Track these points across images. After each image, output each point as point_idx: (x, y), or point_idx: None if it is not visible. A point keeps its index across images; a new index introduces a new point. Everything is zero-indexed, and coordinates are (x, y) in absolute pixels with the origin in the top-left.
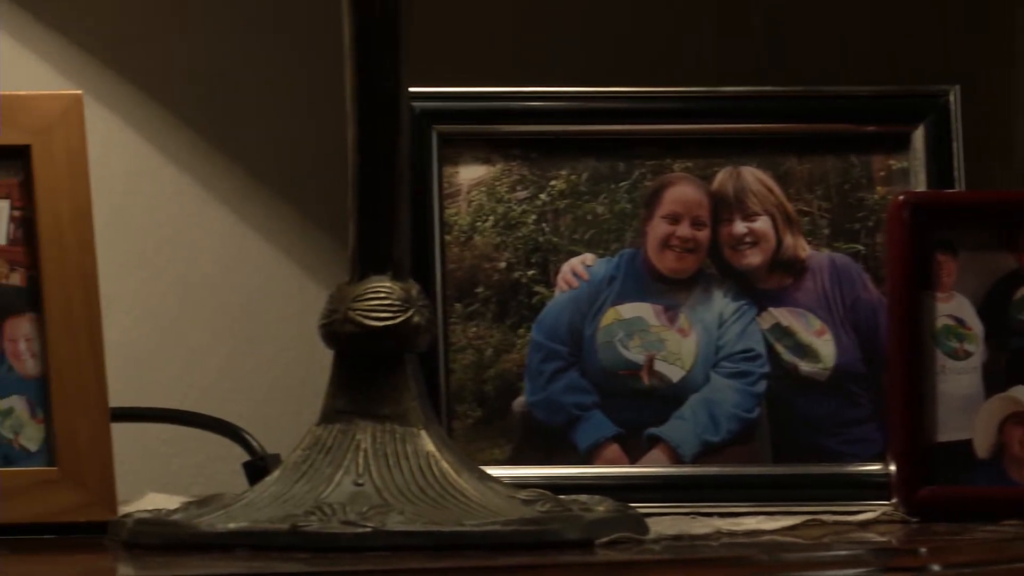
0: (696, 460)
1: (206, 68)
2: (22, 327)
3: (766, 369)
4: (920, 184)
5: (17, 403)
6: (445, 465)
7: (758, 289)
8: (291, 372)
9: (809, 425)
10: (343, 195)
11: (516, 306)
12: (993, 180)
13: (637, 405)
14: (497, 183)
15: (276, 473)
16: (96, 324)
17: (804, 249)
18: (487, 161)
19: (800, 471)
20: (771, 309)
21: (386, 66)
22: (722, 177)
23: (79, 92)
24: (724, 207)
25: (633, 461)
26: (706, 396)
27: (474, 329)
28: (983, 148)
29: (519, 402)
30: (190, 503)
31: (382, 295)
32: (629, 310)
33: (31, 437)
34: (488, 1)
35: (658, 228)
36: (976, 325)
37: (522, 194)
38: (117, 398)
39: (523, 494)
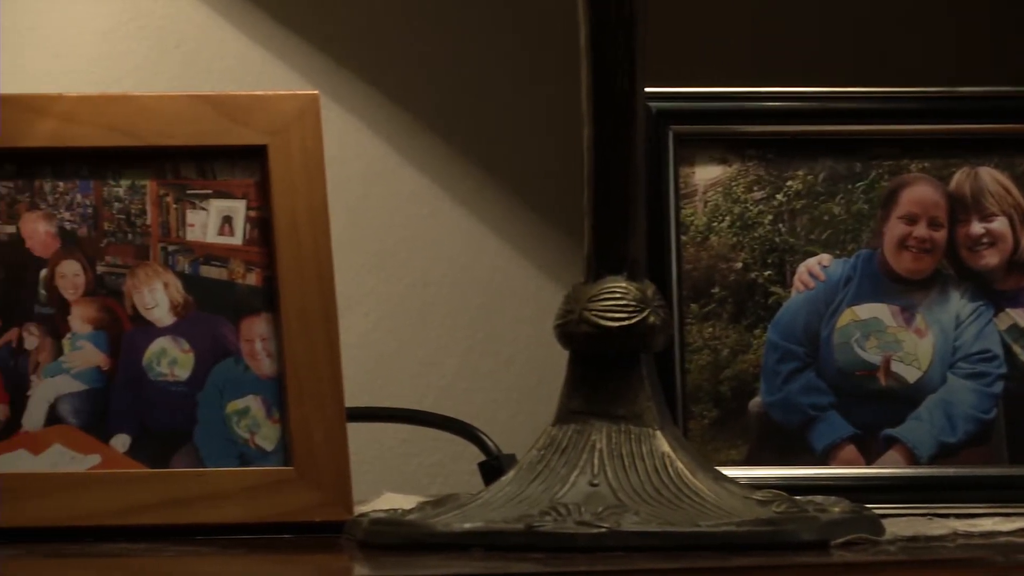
0: (933, 461)
1: (443, 68)
2: (258, 327)
3: (1003, 370)
4: None
5: (253, 403)
6: (680, 465)
7: (995, 290)
8: (527, 372)
9: None
10: (580, 195)
11: (752, 306)
12: None
13: (873, 406)
14: (733, 183)
15: (511, 473)
16: (332, 324)
17: None
18: (723, 161)
19: None
20: (1008, 310)
21: (622, 66)
22: (959, 177)
23: (315, 92)
24: (961, 207)
25: (869, 462)
26: (943, 397)
27: (710, 329)
28: None
29: (755, 402)
30: (426, 503)
31: (618, 295)
32: (866, 311)
33: (267, 437)
34: (726, 1)
35: (895, 229)
36: None
37: (759, 194)
38: (355, 398)
39: (758, 495)
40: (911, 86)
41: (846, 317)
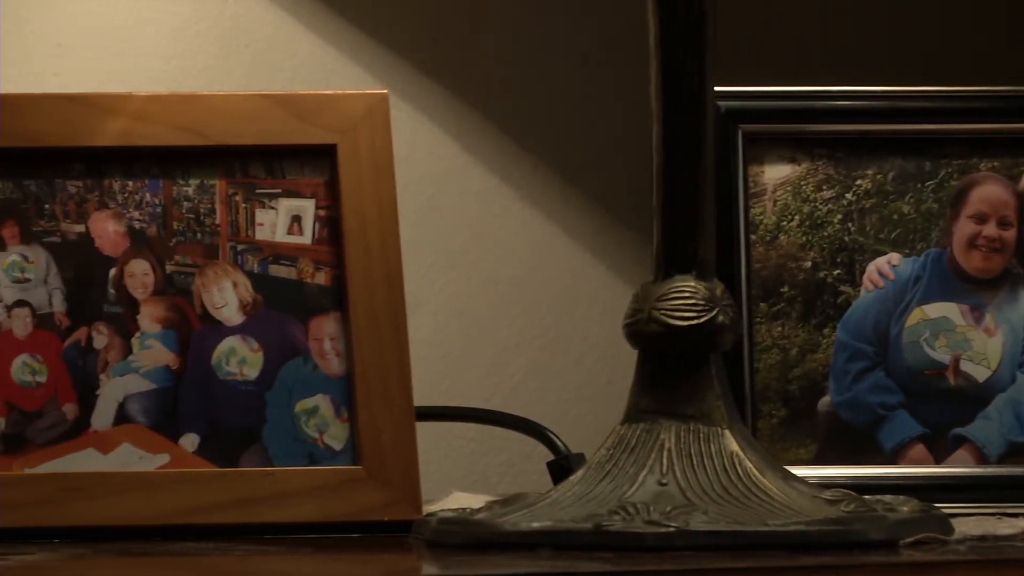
0: (1002, 460)
1: (513, 67)
2: (327, 326)
3: None
4: None
5: (322, 402)
6: (749, 465)
7: None
8: (596, 371)
9: None
10: (649, 194)
11: (821, 305)
12: None
13: (942, 405)
14: (803, 182)
15: (580, 472)
16: (401, 323)
17: None
18: (792, 160)
19: None
20: None
21: (691, 65)
22: None
23: (384, 91)
24: None
25: (938, 461)
26: (1012, 396)
27: (779, 328)
28: None
29: (824, 402)
30: (494, 502)
31: (687, 294)
32: (935, 310)
33: (336, 436)
34: (795, 1)
35: (964, 228)
36: None
37: (828, 193)
38: (424, 397)
39: (827, 494)
40: (981, 85)
41: (915, 316)
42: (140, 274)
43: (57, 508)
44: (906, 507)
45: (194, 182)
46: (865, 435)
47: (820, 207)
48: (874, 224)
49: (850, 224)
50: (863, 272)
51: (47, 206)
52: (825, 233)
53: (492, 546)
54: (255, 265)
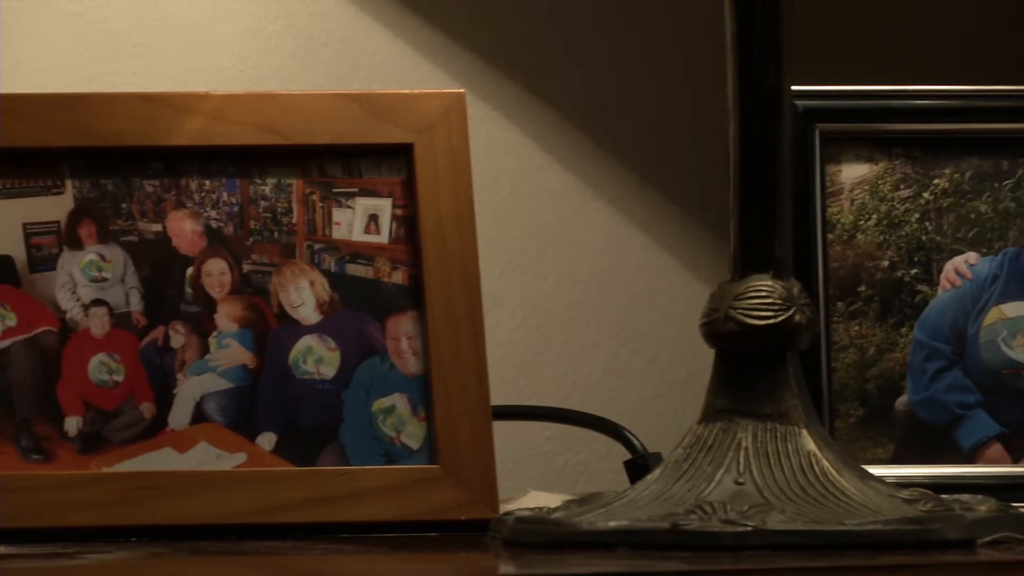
0: None
1: (590, 66)
2: (404, 325)
3: None
4: None
5: (399, 401)
6: (826, 464)
7: None
8: (673, 370)
9: None
10: (726, 193)
11: (899, 305)
12: None
13: (1020, 404)
14: (880, 181)
15: (657, 471)
16: (478, 322)
17: None
18: (870, 159)
19: None
20: None
21: (768, 64)
22: None
23: (461, 90)
24: None
25: (1016, 461)
26: None
27: (856, 328)
28: None
29: (902, 401)
30: (571, 501)
31: (763, 293)
32: (1012, 309)
33: (412, 435)
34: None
35: None
36: None
37: (905, 193)
38: (502, 396)
39: (904, 493)
40: None
41: (992, 316)
42: (217, 273)
43: (134, 507)
44: (983, 506)
45: (271, 181)
46: (942, 434)
47: (897, 206)
48: (951, 223)
49: (927, 223)
50: (940, 271)
51: (124, 205)
52: (902, 232)
53: (569, 545)
54: (332, 264)
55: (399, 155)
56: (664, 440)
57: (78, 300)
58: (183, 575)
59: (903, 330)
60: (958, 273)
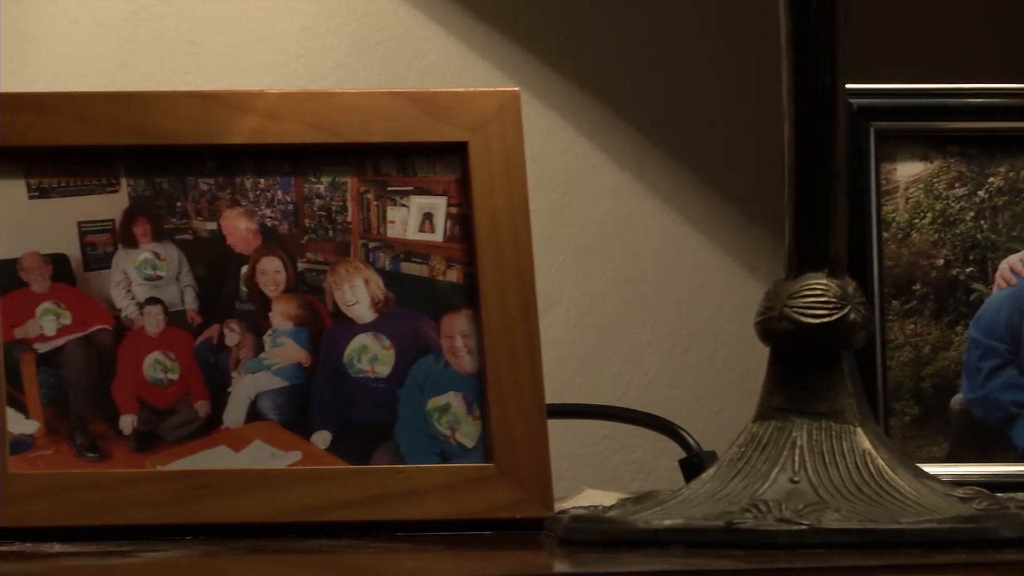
0: None
1: (645, 65)
2: (459, 323)
3: None
4: None
5: (454, 399)
6: (881, 462)
7: None
8: (728, 369)
9: None
10: (781, 192)
11: (954, 303)
12: None
13: None
14: (935, 180)
15: (712, 470)
16: (533, 321)
17: None
18: (925, 158)
19: None
20: None
21: (823, 63)
22: None
23: (516, 89)
24: None
25: None
26: None
27: (911, 326)
28: None
29: (957, 399)
30: (626, 500)
31: (818, 292)
32: None
33: (467, 433)
34: None
35: None
36: None
37: (960, 191)
38: (556, 395)
39: (960, 492)
40: None
41: None
42: (272, 271)
43: (189, 505)
44: None
45: (326, 179)
46: (998, 433)
47: (952, 204)
48: (1006, 222)
49: (982, 222)
50: (995, 270)
51: (179, 204)
52: (957, 231)
53: (623, 544)
54: (387, 262)
55: (454, 153)
56: (719, 438)
57: (133, 298)
58: (238, 574)
59: (958, 328)
60: (1013, 271)
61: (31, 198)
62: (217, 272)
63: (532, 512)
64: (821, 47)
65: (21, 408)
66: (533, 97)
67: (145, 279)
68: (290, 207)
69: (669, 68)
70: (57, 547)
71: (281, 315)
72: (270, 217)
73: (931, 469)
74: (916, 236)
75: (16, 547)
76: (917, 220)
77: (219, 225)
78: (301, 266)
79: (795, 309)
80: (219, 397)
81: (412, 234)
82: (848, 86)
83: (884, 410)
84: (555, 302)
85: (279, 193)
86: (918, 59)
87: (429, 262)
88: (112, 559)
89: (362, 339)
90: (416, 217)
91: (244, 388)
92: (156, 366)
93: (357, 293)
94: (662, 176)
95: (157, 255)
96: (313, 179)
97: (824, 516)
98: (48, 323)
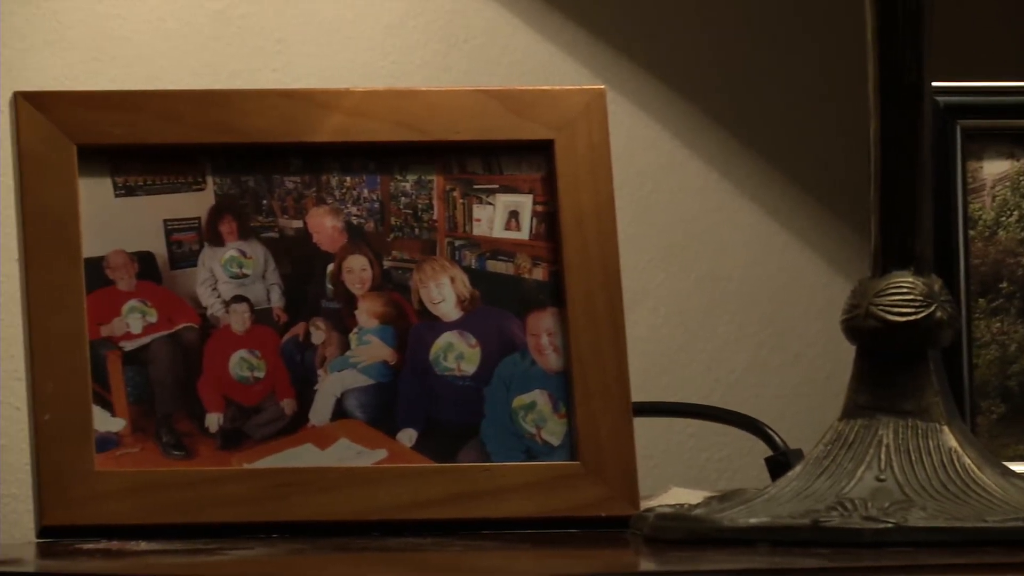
0: None
1: (732, 62)
2: (545, 321)
3: None
4: None
5: (539, 397)
6: (967, 461)
7: None
8: (815, 367)
9: None
10: (867, 190)
11: None
12: None
13: None
14: (1022, 178)
15: (798, 468)
16: (619, 318)
17: None
18: (1011, 156)
19: None
20: None
21: (909, 60)
22: None
23: (602, 87)
24: None
25: None
26: None
27: (998, 324)
28: None
29: None
30: (712, 498)
31: (904, 290)
32: None
33: (553, 432)
34: None
35: None
36: None
37: None
38: (643, 393)
39: None
40: None
41: None
42: (358, 270)
43: (275, 503)
44: None
45: (412, 178)
46: None
47: None
48: None
49: None
50: None
51: (265, 202)
52: None
53: (709, 542)
54: (472, 261)
55: (539, 151)
56: (805, 437)
57: (219, 296)
58: (324, 571)
59: None
60: None
61: (117, 196)
62: (303, 270)
63: (618, 510)
64: (908, 45)
65: (107, 406)
66: (619, 95)
67: (231, 277)
68: (376, 205)
69: (755, 66)
70: (143, 545)
71: (367, 313)
72: (356, 215)
73: (1018, 467)
74: (1003, 234)
75: (102, 545)
76: (1004, 218)
77: (305, 223)
78: (387, 264)
79: (881, 307)
80: (305, 395)
81: (498, 232)
82: (934, 84)
83: (970, 408)
84: (641, 300)
85: (365, 191)
86: (1005, 57)
87: (515, 260)
88: (198, 557)
89: (448, 337)
90: (502, 215)
91: (330, 386)
92: (242, 364)
93: (443, 291)
94: (748, 174)
95: (243, 253)
96: (399, 177)
97: (910, 514)
98: (134, 321)
